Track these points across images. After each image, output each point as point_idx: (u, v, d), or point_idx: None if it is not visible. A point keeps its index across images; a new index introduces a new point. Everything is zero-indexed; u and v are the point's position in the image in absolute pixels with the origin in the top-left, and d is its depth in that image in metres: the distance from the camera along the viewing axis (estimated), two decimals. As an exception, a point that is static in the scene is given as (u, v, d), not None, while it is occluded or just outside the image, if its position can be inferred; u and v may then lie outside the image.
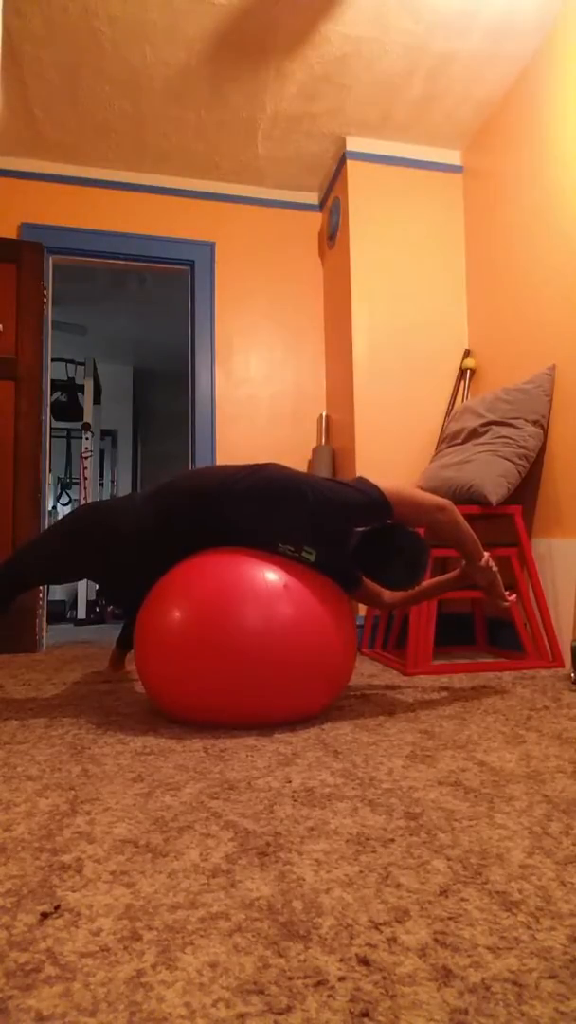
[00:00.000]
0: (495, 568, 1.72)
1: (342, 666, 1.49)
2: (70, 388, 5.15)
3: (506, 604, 1.78)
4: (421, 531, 2.10)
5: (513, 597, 1.79)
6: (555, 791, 1.02)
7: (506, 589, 2.37)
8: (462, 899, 0.69)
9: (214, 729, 1.43)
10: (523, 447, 2.42)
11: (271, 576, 1.43)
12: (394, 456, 3.00)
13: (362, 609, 2.87)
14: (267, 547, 1.52)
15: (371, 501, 1.50)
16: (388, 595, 1.91)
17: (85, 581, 4.39)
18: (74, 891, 0.72)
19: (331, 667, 1.45)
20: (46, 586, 3.07)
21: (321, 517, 1.49)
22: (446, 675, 2.15)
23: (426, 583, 1.88)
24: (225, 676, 1.37)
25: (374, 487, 1.52)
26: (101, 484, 5.97)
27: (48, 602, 3.65)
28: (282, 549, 1.52)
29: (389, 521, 1.59)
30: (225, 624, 1.37)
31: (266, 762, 1.19)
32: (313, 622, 1.41)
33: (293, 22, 2.44)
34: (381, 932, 0.63)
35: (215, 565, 1.46)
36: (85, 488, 4.86)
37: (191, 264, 3.37)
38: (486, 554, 1.70)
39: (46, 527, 3.16)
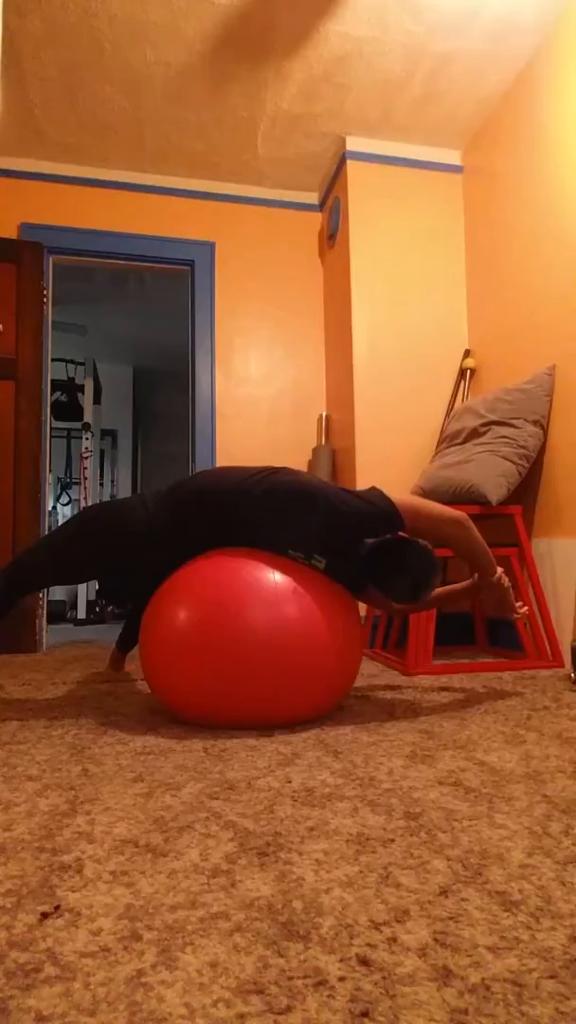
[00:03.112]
0: (508, 583, 1.71)
1: (348, 669, 1.49)
2: (70, 388, 5.15)
3: (517, 616, 1.77)
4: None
5: (525, 609, 1.79)
6: (555, 791, 1.02)
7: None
8: (462, 899, 0.69)
9: (214, 729, 1.43)
10: (523, 447, 2.42)
11: (279, 578, 1.43)
12: (394, 456, 3.00)
13: (362, 609, 2.87)
14: (277, 551, 1.52)
15: (382, 513, 1.49)
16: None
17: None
18: (74, 891, 0.72)
19: (337, 670, 1.45)
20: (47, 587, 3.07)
21: (332, 526, 1.49)
22: (446, 675, 2.15)
23: (436, 592, 1.86)
24: (231, 677, 1.37)
25: (387, 499, 1.50)
26: (101, 484, 5.97)
27: (48, 602, 3.66)
28: (292, 555, 1.52)
29: (403, 534, 1.58)
30: (232, 625, 1.37)
31: (266, 762, 1.19)
32: (320, 625, 1.41)
33: (293, 22, 2.44)
34: (381, 932, 0.63)
35: (223, 566, 1.46)
36: (85, 488, 4.86)
37: (191, 264, 3.37)
38: (499, 569, 1.69)
39: (47, 527, 3.16)
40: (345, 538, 1.51)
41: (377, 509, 1.49)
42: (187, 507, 1.57)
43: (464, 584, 1.83)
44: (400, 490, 2.96)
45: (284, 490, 1.51)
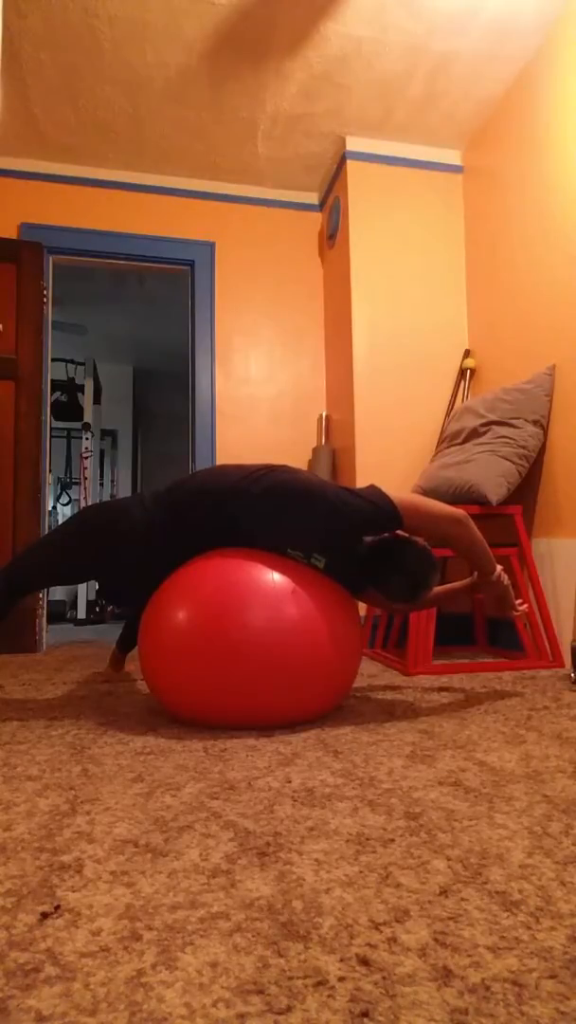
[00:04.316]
0: (507, 581, 1.71)
1: (348, 669, 1.49)
2: (70, 388, 5.15)
3: (517, 614, 1.77)
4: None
5: (524, 607, 1.79)
6: (555, 791, 1.02)
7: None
8: (462, 899, 0.69)
9: (214, 729, 1.43)
10: (523, 447, 2.42)
11: (279, 578, 1.43)
12: (394, 456, 3.00)
13: (362, 608, 2.87)
14: (276, 551, 1.51)
15: (382, 511, 1.49)
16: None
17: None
18: (74, 891, 0.72)
19: (337, 670, 1.45)
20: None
21: (332, 524, 1.48)
22: (446, 675, 2.15)
23: (436, 590, 1.86)
24: (231, 677, 1.37)
25: (386, 497, 1.50)
26: (101, 484, 5.97)
27: (48, 602, 3.66)
28: (292, 554, 1.51)
29: (402, 532, 1.57)
30: (232, 625, 1.37)
31: (266, 762, 1.19)
32: (319, 625, 1.41)
33: (293, 22, 2.44)
34: (381, 932, 0.63)
35: (223, 566, 1.46)
36: (85, 488, 4.86)
37: (191, 264, 3.37)
38: (499, 567, 1.69)
39: (47, 527, 3.16)
40: (345, 537, 1.51)
41: (376, 507, 1.49)
42: (185, 506, 1.57)
43: (463, 582, 1.83)
44: (400, 490, 2.96)
45: (283, 489, 1.51)
